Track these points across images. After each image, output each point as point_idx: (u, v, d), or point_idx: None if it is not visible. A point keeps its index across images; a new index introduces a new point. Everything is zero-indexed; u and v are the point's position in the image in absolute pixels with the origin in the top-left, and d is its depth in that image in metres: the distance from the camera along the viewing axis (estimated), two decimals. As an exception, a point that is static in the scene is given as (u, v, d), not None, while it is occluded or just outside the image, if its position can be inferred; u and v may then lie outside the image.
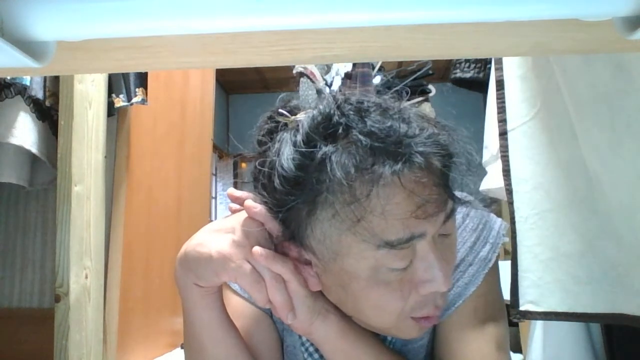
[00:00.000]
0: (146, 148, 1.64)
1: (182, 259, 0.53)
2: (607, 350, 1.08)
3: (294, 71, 1.92)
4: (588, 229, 0.85)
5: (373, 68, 1.99)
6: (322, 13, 0.33)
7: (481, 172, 1.34)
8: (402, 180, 0.44)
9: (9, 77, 1.15)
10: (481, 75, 1.76)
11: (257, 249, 0.49)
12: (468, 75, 1.78)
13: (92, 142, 1.14)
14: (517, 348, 1.49)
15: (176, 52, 0.41)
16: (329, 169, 0.45)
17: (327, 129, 0.47)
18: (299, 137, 0.48)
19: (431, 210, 0.45)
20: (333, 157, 0.45)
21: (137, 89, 1.42)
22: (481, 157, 1.35)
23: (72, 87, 1.11)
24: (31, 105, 1.22)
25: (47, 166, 1.30)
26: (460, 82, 1.83)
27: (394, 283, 0.48)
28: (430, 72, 2.15)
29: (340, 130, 0.46)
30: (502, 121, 1.01)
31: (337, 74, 1.90)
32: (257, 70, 4.41)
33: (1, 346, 1.41)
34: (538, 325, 1.19)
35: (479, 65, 1.78)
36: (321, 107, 0.49)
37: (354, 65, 1.86)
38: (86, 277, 1.10)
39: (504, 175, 0.99)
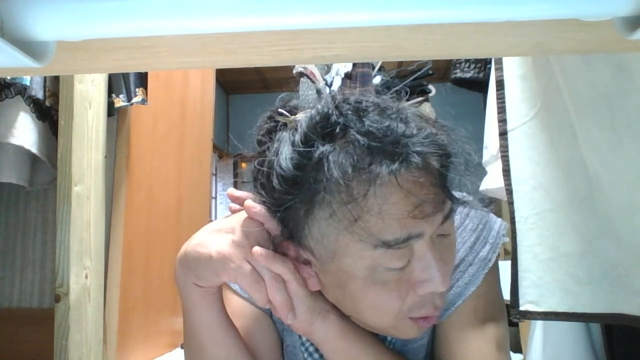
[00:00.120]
0: (146, 148, 1.64)
1: (182, 259, 0.53)
2: (607, 350, 1.08)
3: (294, 71, 1.92)
4: (588, 229, 0.85)
5: (373, 68, 1.99)
6: (322, 13, 0.33)
7: (480, 172, 1.34)
8: (399, 180, 0.44)
9: (9, 77, 1.15)
10: (481, 75, 1.76)
11: (256, 249, 0.49)
12: (468, 75, 1.78)
13: (92, 142, 1.14)
14: (517, 348, 1.49)
15: (176, 52, 0.41)
16: (326, 168, 0.45)
17: (325, 129, 0.47)
18: (297, 137, 0.48)
19: (429, 210, 0.45)
20: (330, 157, 0.45)
21: (137, 89, 1.42)
22: (480, 157, 1.35)
23: (72, 87, 1.11)
24: (31, 105, 1.22)
25: (47, 166, 1.30)
26: (460, 82, 1.83)
27: (392, 283, 0.48)
28: (430, 72, 2.14)
29: (338, 130, 0.47)
30: (502, 121, 1.01)
31: (337, 74, 1.90)
32: (257, 70, 4.41)
33: (1, 346, 1.41)
34: (538, 325, 1.19)
35: (479, 65, 1.78)
36: (319, 106, 0.49)
37: (354, 65, 1.86)
38: (86, 277, 1.10)
39: (504, 175, 0.99)
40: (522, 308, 0.93)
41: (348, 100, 0.49)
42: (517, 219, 0.96)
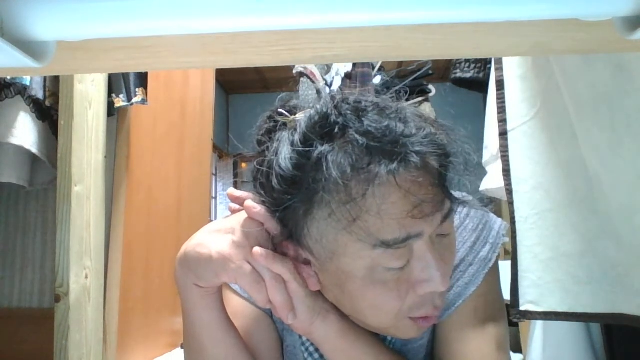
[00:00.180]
0: (146, 148, 1.64)
1: (182, 259, 0.53)
2: (607, 350, 1.08)
3: (294, 71, 1.92)
4: (588, 229, 0.85)
5: (373, 68, 1.99)
6: (322, 13, 0.33)
7: (480, 172, 1.34)
8: (398, 180, 0.44)
9: (9, 77, 1.15)
10: (481, 75, 1.76)
11: (257, 250, 0.49)
12: (468, 75, 1.78)
13: (92, 142, 1.14)
14: (517, 348, 1.49)
15: (176, 52, 0.41)
16: (325, 168, 0.45)
17: (324, 129, 0.47)
18: (297, 137, 0.48)
19: (428, 210, 0.45)
20: (329, 157, 0.45)
21: (137, 89, 1.42)
22: (480, 157, 1.35)
23: (72, 87, 1.11)
24: (31, 105, 1.22)
25: (47, 166, 1.30)
26: (460, 82, 1.83)
27: (391, 283, 0.48)
28: (430, 72, 2.14)
29: (337, 130, 0.47)
30: (502, 121, 1.01)
31: (337, 74, 1.90)
32: (257, 70, 4.41)
33: (1, 346, 1.41)
34: (538, 325, 1.19)
35: (479, 65, 1.78)
36: (318, 106, 0.49)
37: (354, 65, 1.86)
38: (86, 277, 1.10)
39: (504, 175, 0.99)
40: (522, 308, 0.93)
41: (347, 100, 0.49)
42: (517, 219, 0.96)
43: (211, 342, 0.55)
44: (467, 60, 1.80)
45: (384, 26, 0.38)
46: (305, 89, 1.85)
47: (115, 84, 1.36)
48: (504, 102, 1.02)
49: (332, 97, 0.49)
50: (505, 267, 0.72)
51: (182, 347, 1.79)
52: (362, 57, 0.42)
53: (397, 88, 0.54)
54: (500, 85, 1.03)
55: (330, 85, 1.89)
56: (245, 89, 4.98)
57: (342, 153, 0.45)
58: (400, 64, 2.42)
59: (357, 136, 0.45)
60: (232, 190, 0.56)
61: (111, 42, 0.40)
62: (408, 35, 0.39)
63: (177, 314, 1.82)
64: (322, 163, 0.45)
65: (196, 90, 2.11)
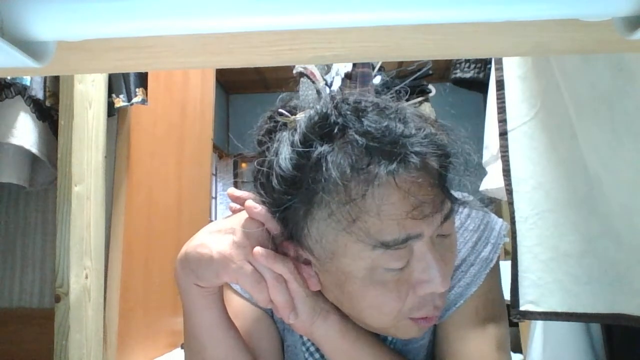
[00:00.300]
0: (146, 148, 1.64)
1: (183, 259, 0.53)
2: (607, 350, 1.08)
3: (294, 71, 1.91)
4: (588, 229, 0.85)
5: (373, 68, 1.99)
6: (322, 13, 0.33)
7: (480, 172, 1.34)
8: (398, 181, 0.44)
9: (9, 77, 1.15)
10: (481, 75, 1.76)
11: (257, 250, 0.49)
12: (468, 75, 1.78)
13: (92, 142, 1.14)
14: (517, 348, 1.49)
15: (176, 52, 0.41)
16: (324, 168, 0.45)
17: (323, 129, 0.47)
18: (297, 137, 0.48)
19: (427, 210, 0.45)
20: (329, 157, 0.45)
21: (137, 89, 1.42)
22: (480, 157, 1.35)
23: (72, 87, 1.11)
24: (31, 105, 1.22)
25: (47, 166, 1.30)
26: (460, 82, 1.83)
27: (391, 283, 0.48)
28: (430, 72, 2.14)
29: (336, 130, 0.47)
30: (502, 121, 1.01)
31: (337, 74, 1.90)
32: (257, 70, 4.40)
33: (1, 346, 1.41)
34: (538, 325, 1.19)
35: (479, 65, 1.78)
36: (318, 107, 0.49)
37: (354, 65, 1.86)
38: (86, 277, 1.10)
39: (504, 175, 0.99)
40: (522, 308, 0.93)
41: (347, 100, 0.49)
42: (517, 219, 0.96)
43: (212, 342, 0.55)
44: (467, 60, 1.80)
45: (384, 26, 0.38)
46: (305, 89, 1.85)
47: (115, 84, 1.36)
48: (504, 102, 1.02)
49: (332, 98, 0.49)
50: (505, 267, 0.72)
51: (182, 347, 1.79)
52: (362, 57, 0.42)
53: (397, 88, 0.54)
54: (500, 85, 1.03)
55: (330, 85, 1.89)
56: (245, 89, 4.98)
57: (342, 153, 0.45)
58: (400, 64, 2.42)
59: (356, 136, 0.45)
60: (232, 190, 0.57)
61: (111, 42, 0.40)
62: (408, 35, 0.39)
63: (177, 314, 1.82)
64: (322, 163, 0.45)
65: (196, 90, 2.11)
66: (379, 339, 0.56)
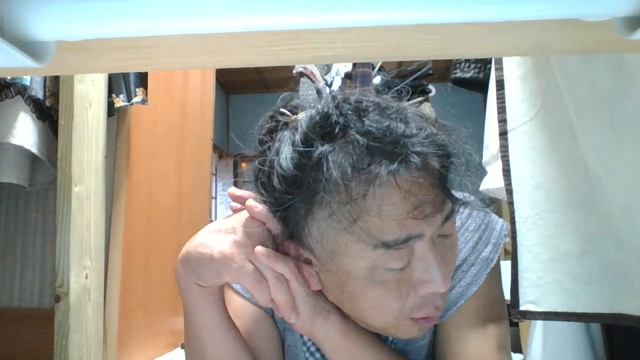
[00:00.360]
0: (146, 148, 1.64)
1: (184, 259, 0.53)
2: (607, 350, 1.08)
3: (294, 71, 1.91)
4: (588, 229, 0.85)
5: (373, 68, 1.99)
6: (322, 13, 0.33)
7: (481, 173, 1.34)
8: (398, 181, 0.44)
9: (9, 77, 1.15)
10: (481, 75, 1.76)
11: (259, 249, 0.49)
12: (468, 75, 1.78)
13: (92, 142, 1.14)
14: (517, 348, 1.49)
15: (176, 52, 0.41)
16: (325, 168, 0.45)
17: (324, 129, 0.47)
18: (298, 137, 0.48)
19: (428, 210, 0.45)
20: (330, 157, 0.45)
21: (137, 89, 1.42)
22: (481, 157, 1.35)
23: (72, 87, 1.11)
24: (31, 105, 1.22)
25: (47, 166, 1.30)
26: (460, 82, 1.83)
27: (391, 283, 0.48)
28: (430, 72, 2.14)
29: (337, 130, 0.47)
30: (502, 121, 1.01)
31: (337, 74, 1.90)
32: (257, 70, 4.41)
33: (1, 346, 1.41)
34: (538, 325, 1.19)
35: (479, 65, 1.78)
36: (319, 106, 0.49)
37: (354, 65, 1.86)
38: (86, 277, 1.10)
39: (504, 175, 1.00)
40: (522, 308, 0.93)
41: (348, 100, 0.49)
42: (517, 219, 0.96)
43: (212, 342, 0.55)
44: (467, 60, 1.80)
45: (384, 26, 0.38)
46: (306, 89, 1.85)
47: (115, 84, 1.36)
48: (504, 102, 1.02)
49: (333, 97, 0.49)
50: (505, 267, 0.72)
51: (182, 347, 1.79)
52: (362, 57, 0.42)
53: (398, 87, 0.54)
54: (500, 85, 1.03)
55: (330, 85, 1.89)
56: (245, 89, 4.98)
57: (343, 153, 0.45)
58: (400, 64, 2.42)
59: (357, 136, 0.45)
60: (233, 190, 0.57)
61: (111, 42, 0.40)
62: (408, 35, 0.39)
63: (177, 314, 1.82)
64: (323, 163, 0.45)
65: (196, 90, 2.11)
66: (379, 339, 0.56)
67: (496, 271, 0.60)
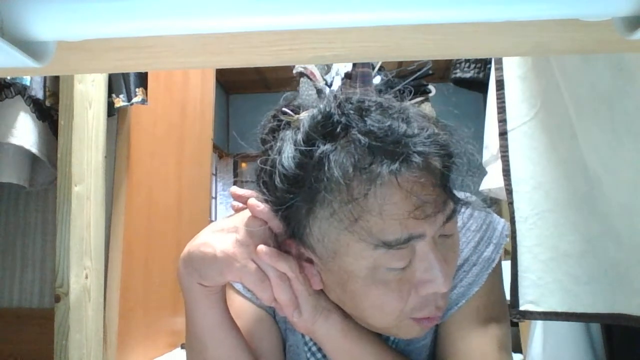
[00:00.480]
0: (146, 148, 1.64)
1: (186, 258, 0.53)
2: (607, 350, 1.08)
3: (294, 71, 1.92)
4: (588, 229, 0.85)
5: (373, 68, 1.99)
6: (322, 13, 0.33)
7: (482, 173, 1.34)
8: (400, 180, 0.44)
9: (9, 77, 1.15)
10: (481, 75, 1.75)
11: (261, 248, 0.49)
12: (468, 75, 1.78)
13: (92, 142, 1.14)
14: (517, 348, 1.49)
15: (176, 52, 0.41)
16: (327, 167, 0.45)
17: (326, 128, 0.47)
18: (300, 136, 0.48)
19: (430, 210, 0.45)
20: (331, 156, 0.45)
21: (137, 89, 1.42)
22: (481, 157, 1.35)
23: (72, 87, 1.11)
24: (31, 105, 1.22)
25: (47, 166, 1.30)
26: (460, 82, 1.83)
27: (393, 283, 0.48)
28: (430, 72, 2.14)
29: (339, 129, 0.46)
30: (502, 121, 1.01)
31: (337, 74, 1.90)
32: (257, 70, 4.41)
33: (1, 346, 1.41)
34: (538, 325, 1.19)
35: (479, 65, 1.77)
36: (322, 106, 0.49)
37: (354, 65, 1.86)
38: (86, 277, 1.10)
39: (504, 175, 0.99)
40: (522, 308, 0.93)
41: (350, 99, 0.49)
42: (517, 219, 0.96)
43: (213, 342, 0.55)
44: (467, 60, 1.79)
45: (384, 26, 0.38)
46: (306, 89, 1.85)
47: (115, 84, 1.36)
48: (504, 102, 1.02)
49: (335, 97, 0.49)
50: (505, 267, 0.72)
51: (182, 347, 1.79)
52: (362, 57, 0.42)
53: (399, 87, 0.54)
54: (500, 85, 1.03)
55: (330, 85, 1.89)
56: (245, 89, 4.98)
57: (344, 153, 0.45)
58: (400, 64, 2.42)
59: (359, 136, 0.45)
60: (235, 189, 0.57)
61: (111, 42, 0.40)
62: (408, 35, 0.39)
63: (177, 314, 1.82)
64: (324, 162, 0.45)
65: (196, 90, 2.11)
66: (380, 338, 0.56)
67: (497, 271, 0.60)
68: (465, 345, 0.56)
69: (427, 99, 2.17)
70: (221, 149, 4.69)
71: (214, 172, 4.59)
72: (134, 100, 1.41)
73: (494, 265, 0.59)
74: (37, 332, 1.38)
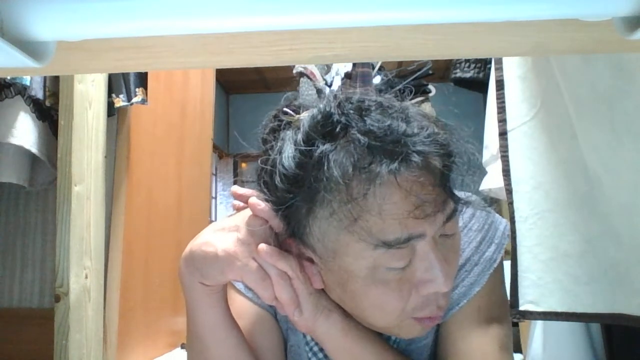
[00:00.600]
0: (146, 148, 1.64)
1: (188, 258, 0.53)
2: (607, 350, 1.08)
3: (294, 71, 1.92)
4: (588, 229, 0.85)
5: (373, 68, 1.99)
6: (322, 13, 0.33)
7: (482, 172, 1.34)
8: (399, 180, 0.44)
9: (9, 77, 1.15)
10: (481, 75, 1.75)
11: (262, 247, 0.49)
12: (468, 75, 1.78)
13: (92, 142, 1.14)
14: (517, 348, 1.49)
15: (176, 52, 0.41)
16: (326, 167, 0.45)
17: (326, 128, 0.47)
18: (300, 136, 0.48)
19: (429, 210, 0.45)
20: (331, 156, 0.45)
21: (137, 89, 1.42)
22: (481, 157, 1.35)
23: (72, 87, 1.11)
24: (31, 105, 1.22)
25: (47, 166, 1.30)
26: (460, 82, 1.83)
27: (393, 283, 0.47)
28: (430, 72, 2.14)
29: (339, 129, 0.47)
30: (502, 121, 1.01)
31: (337, 74, 1.90)
32: (257, 70, 4.41)
33: (1, 346, 1.41)
34: (538, 325, 1.19)
35: (479, 65, 1.77)
36: (322, 106, 0.49)
37: (354, 65, 1.86)
38: (86, 277, 1.10)
39: (503, 175, 0.99)
40: (522, 308, 0.93)
41: (350, 99, 0.49)
42: (517, 219, 0.96)
43: (214, 341, 0.55)
44: (467, 60, 1.79)
45: (384, 26, 0.38)
46: (306, 89, 1.85)
47: (115, 84, 1.36)
48: (503, 102, 1.02)
49: (335, 97, 0.49)
50: (505, 267, 0.72)
51: (182, 347, 1.79)
52: (362, 57, 0.42)
53: (399, 87, 0.54)
54: (500, 85, 1.03)
55: (330, 85, 1.89)
56: (245, 89, 4.98)
57: (344, 152, 0.45)
58: (400, 64, 2.42)
59: (359, 135, 0.45)
60: (236, 188, 0.57)
61: (111, 42, 0.40)
62: (408, 35, 0.39)
63: (177, 314, 1.82)
64: (324, 162, 0.45)
65: (196, 90, 2.11)
66: (381, 338, 0.56)
67: (499, 271, 0.60)
68: (466, 345, 0.56)
69: (427, 99, 2.18)
70: (221, 149, 4.69)
71: (214, 172, 4.59)
72: (134, 100, 1.41)
73: (495, 265, 0.59)
74: (37, 332, 1.38)
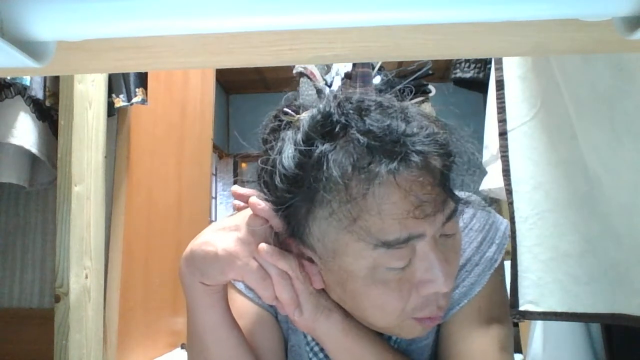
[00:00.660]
0: (146, 148, 1.64)
1: (188, 257, 0.53)
2: (607, 350, 1.08)
3: (294, 71, 1.92)
4: (588, 229, 0.85)
5: (373, 68, 1.99)
6: (322, 13, 0.33)
7: (482, 172, 1.34)
8: (398, 180, 0.44)
9: (9, 77, 1.15)
10: (481, 75, 1.76)
11: (263, 246, 0.49)
12: (468, 75, 1.78)
13: (92, 142, 1.14)
14: (517, 348, 1.49)
15: (176, 52, 0.41)
16: (325, 167, 0.45)
17: (325, 128, 0.47)
18: (299, 136, 0.48)
19: (429, 210, 0.45)
20: (330, 156, 0.45)
21: (137, 89, 1.42)
22: (481, 157, 1.35)
23: (72, 87, 1.11)
24: (31, 105, 1.22)
25: (47, 166, 1.30)
26: (460, 82, 1.83)
27: (393, 283, 0.47)
28: (430, 72, 2.14)
29: (338, 129, 0.47)
30: (502, 121, 1.01)
31: (337, 74, 1.90)
32: (257, 70, 4.41)
33: (1, 346, 1.41)
34: (538, 325, 1.19)
35: (479, 65, 1.78)
36: (321, 106, 0.49)
37: (354, 65, 1.86)
38: (86, 277, 1.10)
39: (503, 175, 0.99)
40: (521, 308, 0.93)
41: (350, 99, 0.49)
42: (517, 219, 0.96)
43: (215, 341, 0.55)
44: (467, 60, 1.80)
45: (384, 26, 0.38)
46: (306, 89, 1.85)
47: (115, 84, 1.36)
48: (503, 102, 1.01)
49: (335, 96, 0.49)
50: (505, 267, 0.72)
51: (182, 347, 1.79)
52: (362, 57, 0.42)
53: (399, 87, 0.54)
54: (500, 85, 1.03)
55: (330, 85, 1.89)
56: (245, 89, 4.98)
57: (343, 152, 0.45)
58: (400, 64, 2.42)
59: (358, 135, 0.45)
60: (236, 188, 0.57)
61: (111, 42, 0.40)
62: (408, 35, 0.39)
63: (177, 314, 1.82)
64: (323, 162, 0.45)
65: (196, 90, 2.11)
66: (382, 337, 0.56)
67: (500, 272, 0.60)
68: (467, 346, 0.56)
69: (427, 99, 2.17)
70: (221, 149, 4.69)
71: (214, 172, 4.59)
72: (134, 100, 1.41)
73: (496, 265, 0.59)
74: (37, 332, 1.38)
